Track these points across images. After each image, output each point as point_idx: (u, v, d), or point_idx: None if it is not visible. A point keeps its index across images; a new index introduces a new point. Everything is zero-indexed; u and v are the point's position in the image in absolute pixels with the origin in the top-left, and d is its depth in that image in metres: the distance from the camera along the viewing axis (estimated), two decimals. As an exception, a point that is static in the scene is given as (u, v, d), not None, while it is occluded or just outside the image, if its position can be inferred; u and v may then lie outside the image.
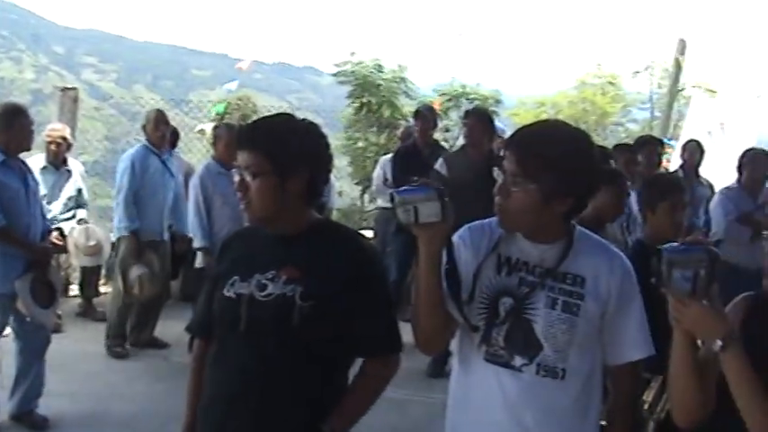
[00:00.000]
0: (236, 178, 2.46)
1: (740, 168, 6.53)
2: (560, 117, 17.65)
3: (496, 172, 2.29)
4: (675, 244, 1.93)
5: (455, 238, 2.36)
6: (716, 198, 6.58)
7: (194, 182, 6.90)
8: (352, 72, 13.46)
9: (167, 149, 7.39)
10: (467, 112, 6.91)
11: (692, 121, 12.25)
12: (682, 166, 7.67)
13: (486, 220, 2.41)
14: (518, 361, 2.29)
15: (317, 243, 2.49)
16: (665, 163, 8.67)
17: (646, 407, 3.32)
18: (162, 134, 7.13)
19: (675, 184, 4.11)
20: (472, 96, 14.13)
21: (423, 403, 6.00)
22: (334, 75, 13.88)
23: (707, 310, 1.87)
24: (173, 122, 7.98)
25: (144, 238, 7.08)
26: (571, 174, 2.22)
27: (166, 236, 7.34)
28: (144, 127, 7.25)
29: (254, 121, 2.62)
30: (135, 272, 6.88)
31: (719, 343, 1.83)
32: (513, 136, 2.34)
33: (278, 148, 2.41)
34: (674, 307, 1.91)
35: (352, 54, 13.73)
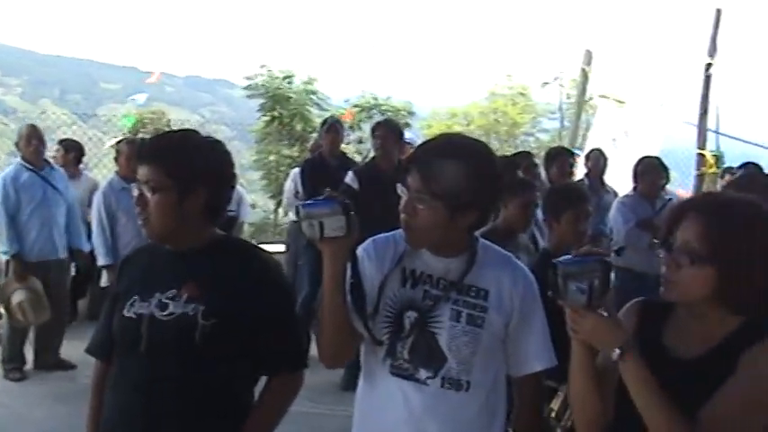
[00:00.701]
0: (135, 193, 2.40)
1: (636, 177, 6.69)
2: (472, 128, 17.92)
3: (400, 188, 2.27)
4: (569, 256, 1.94)
5: (359, 250, 2.34)
6: (614, 206, 6.68)
7: (97, 198, 6.70)
8: (263, 85, 13.39)
9: (49, 165, 7.11)
10: (376, 124, 6.90)
11: (598, 130, 12.52)
12: (586, 175, 7.80)
13: (391, 232, 2.40)
14: (423, 374, 2.28)
15: (219, 260, 2.43)
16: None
17: (553, 415, 3.36)
18: (35, 149, 6.83)
19: (579, 193, 4.17)
20: (384, 108, 14.21)
21: (337, 417, 5.94)
22: (245, 88, 13.78)
23: (603, 320, 1.88)
24: (81, 138, 7.75)
25: (33, 258, 6.81)
26: (475, 188, 2.21)
27: (63, 253, 7.10)
28: (17, 144, 7.00)
29: (156, 136, 2.57)
30: (16, 298, 6.63)
31: (617, 351, 1.85)
32: (415, 152, 2.32)
33: (179, 164, 2.35)
34: (570, 318, 1.92)
35: (262, 66, 13.66)
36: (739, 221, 1.88)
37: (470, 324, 2.27)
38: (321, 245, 2.18)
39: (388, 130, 6.56)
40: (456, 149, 2.29)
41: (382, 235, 2.42)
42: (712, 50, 10.56)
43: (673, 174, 13.72)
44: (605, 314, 1.90)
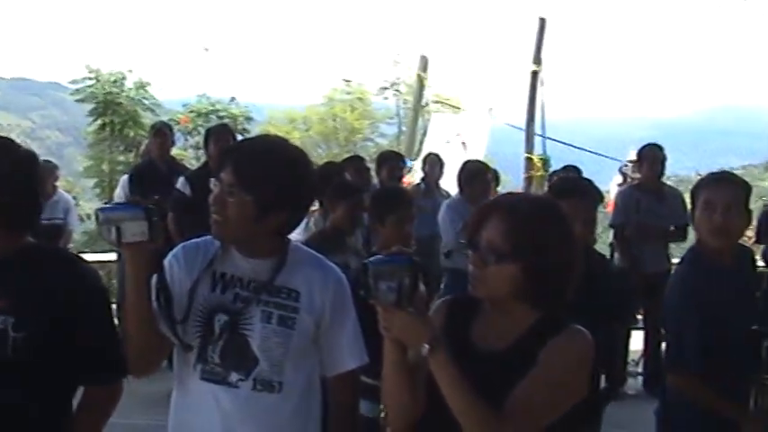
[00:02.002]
0: None
1: (460, 181, 6.86)
2: (311, 133, 17.97)
3: (213, 182, 2.26)
4: (380, 256, 1.97)
5: (169, 256, 2.32)
6: (442, 210, 6.78)
7: None
8: (91, 89, 12.93)
9: None
10: (208, 131, 6.82)
11: (434, 134, 12.81)
12: (423, 179, 7.96)
13: (201, 238, 2.37)
14: (234, 377, 2.26)
15: (30, 269, 2.32)
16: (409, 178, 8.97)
17: (383, 415, 3.41)
18: None
19: (402, 197, 4.23)
20: (222, 113, 14.04)
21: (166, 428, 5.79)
22: (71, 93, 13.28)
23: (412, 318, 1.92)
24: None
25: None
26: (287, 187, 2.24)
27: None
28: None
29: None
30: None
31: (427, 347, 1.89)
32: (230, 148, 2.35)
33: None
34: (382, 317, 1.94)
35: (90, 72, 13.16)
36: (537, 221, 1.99)
37: (281, 325, 2.28)
38: (122, 249, 2.15)
39: (218, 136, 6.49)
40: (270, 148, 2.33)
41: (192, 240, 2.39)
42: (537, 58, 11.04)
43: (505, 177, 14.26)
44: (415, 312, 1.93)
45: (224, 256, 2.31)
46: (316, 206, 4.79)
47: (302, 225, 3.51)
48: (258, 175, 2.21)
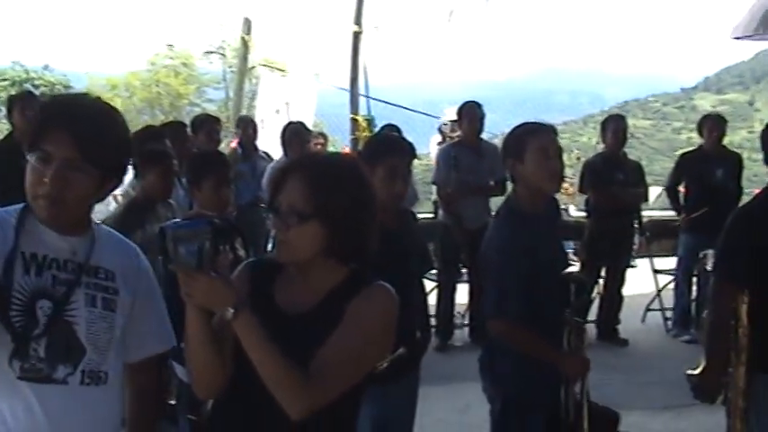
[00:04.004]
0: None
1: (284, 143, 6.84)
2: (134, 100, 17.35)
3: (34, 156, 1.95)
4: (178, 220, 1.93)
5: None
6: (266, 173, 6.71)
7: None
8: None
9: None
10: (11, 99, 6.43)
11: (264, 98, 12.67)
12: (239, 143, 7.82)
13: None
14: (61, 372, 2.01)
15: None
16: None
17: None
18: None
19: (219, 160, 4.15)
20: (38, 82, 13.33)
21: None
22: None
23: (215, 282, 1.87)
24: None
25: None
26: (128, 154, 2.09)
27: None
28: None
29: None
30: None
31: (231, 311, 1.86)
32: (54, 114, 2.02)
33: None
34: (183, 282, 1.87)
35: None
36: (336, 178, 1.99)
37: (106, 309, 2.08)
38: None
39: (28, 103, 6.12)
40: (103, 111, 2.07)
41: None
42: (358, 19, 11.06)
43: (334, 138, 14.30)
44: (217, 276, 1.88)
45: (32, 233, 2.04)
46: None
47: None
48: (105, 145, 1.98)
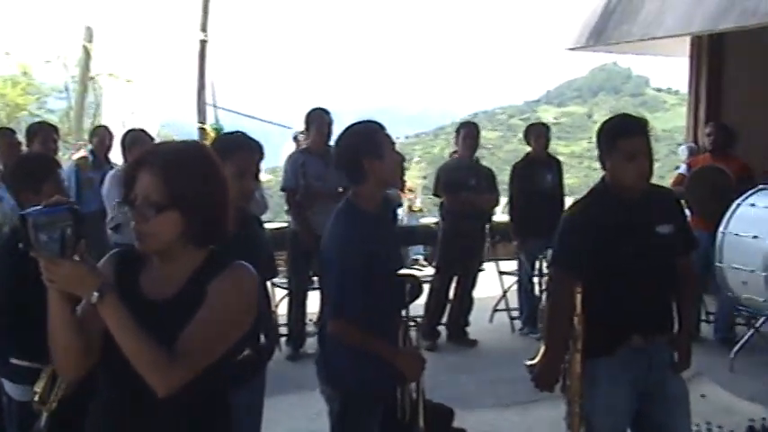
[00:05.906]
0: None
1: (124, 150, 6.69)
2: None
3: None
4: (39, 207, 1.90)
5: None
6: (106, 182, 6.54)
7: None
8: None
9: None
10: None
11: (110, 108, 12.41)
12: (92, 151, 7.66)
13: None
14: None
15: None
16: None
17: (37, 398, 3.19)
18: None
19: (46, 162, 4.00)
20: None
21: None
22: None
23: (78, 267, 1.90)
24: None
25: None
26: None
27: None
28: None
29: None
30: None
31: (96, 294, 1.90)
32: None
33: None
34: (45, 269, 1.89)
35: None
36: (187, 166, 2.05)
37: None
38: None
39: None
40: None
41: None
42: (204, 26, 10.93)
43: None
44: (80, 261, 1.92)
45: None
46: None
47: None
48: None
